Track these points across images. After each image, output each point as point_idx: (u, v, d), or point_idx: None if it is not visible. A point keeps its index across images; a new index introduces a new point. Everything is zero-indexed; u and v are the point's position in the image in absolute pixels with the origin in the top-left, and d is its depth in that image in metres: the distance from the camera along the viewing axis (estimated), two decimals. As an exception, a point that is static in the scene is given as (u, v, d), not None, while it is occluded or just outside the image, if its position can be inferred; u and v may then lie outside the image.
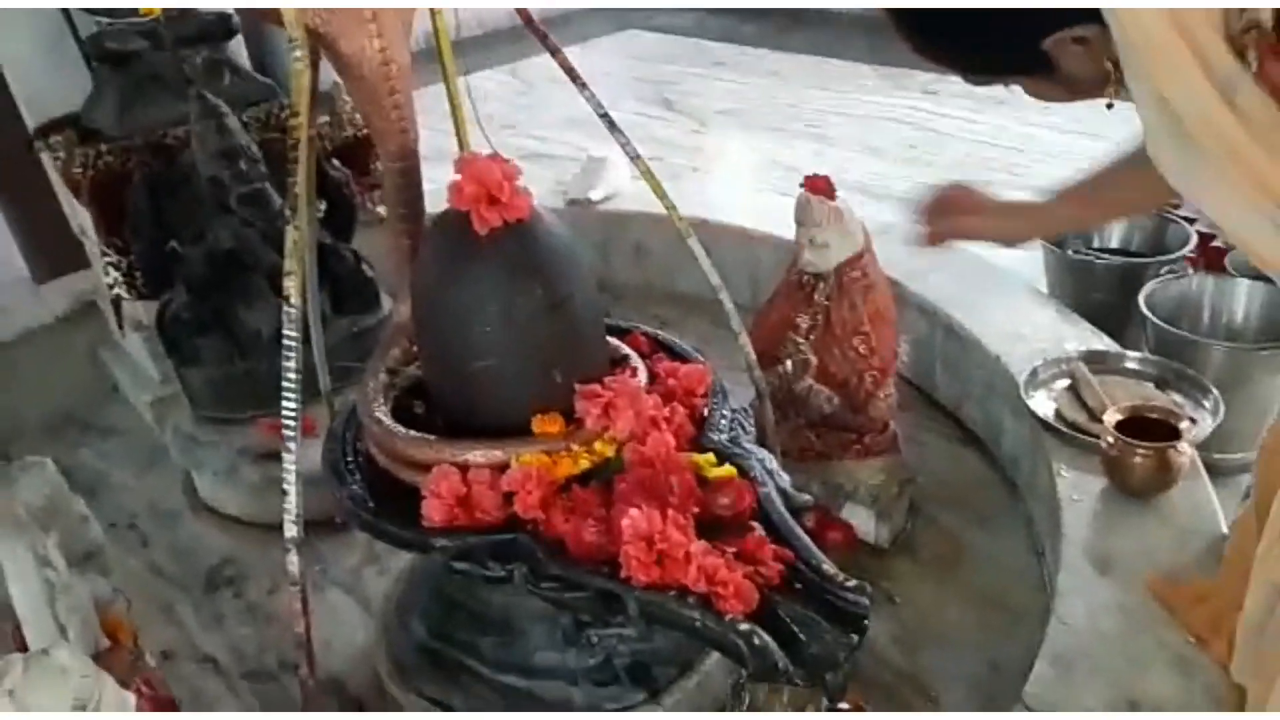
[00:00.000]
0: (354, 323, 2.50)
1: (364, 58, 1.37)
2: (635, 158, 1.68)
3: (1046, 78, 1.09)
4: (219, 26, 2.52)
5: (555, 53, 1.59)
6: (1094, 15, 0.96)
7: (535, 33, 1.58)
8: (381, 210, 3.13)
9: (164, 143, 2.41)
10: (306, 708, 1.45)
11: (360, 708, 1.84)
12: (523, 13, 1.60)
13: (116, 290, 2.48)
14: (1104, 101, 1.07)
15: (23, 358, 2.82)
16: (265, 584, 2.18)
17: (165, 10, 2.40)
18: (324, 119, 2.84)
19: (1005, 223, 1.50)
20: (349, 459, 1.55)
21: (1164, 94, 0.91)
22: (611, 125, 1.65)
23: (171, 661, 1.96)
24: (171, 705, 1.54)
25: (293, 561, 1.34)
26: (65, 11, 2.43)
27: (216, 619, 2.11)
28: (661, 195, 1.73)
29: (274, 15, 1.26)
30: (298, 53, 1.23)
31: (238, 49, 2.69)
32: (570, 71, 1.61)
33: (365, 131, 2.93)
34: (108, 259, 2.45)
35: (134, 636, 1.61)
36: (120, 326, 2.61)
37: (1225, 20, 0.87)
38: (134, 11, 2.38)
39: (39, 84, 2.50)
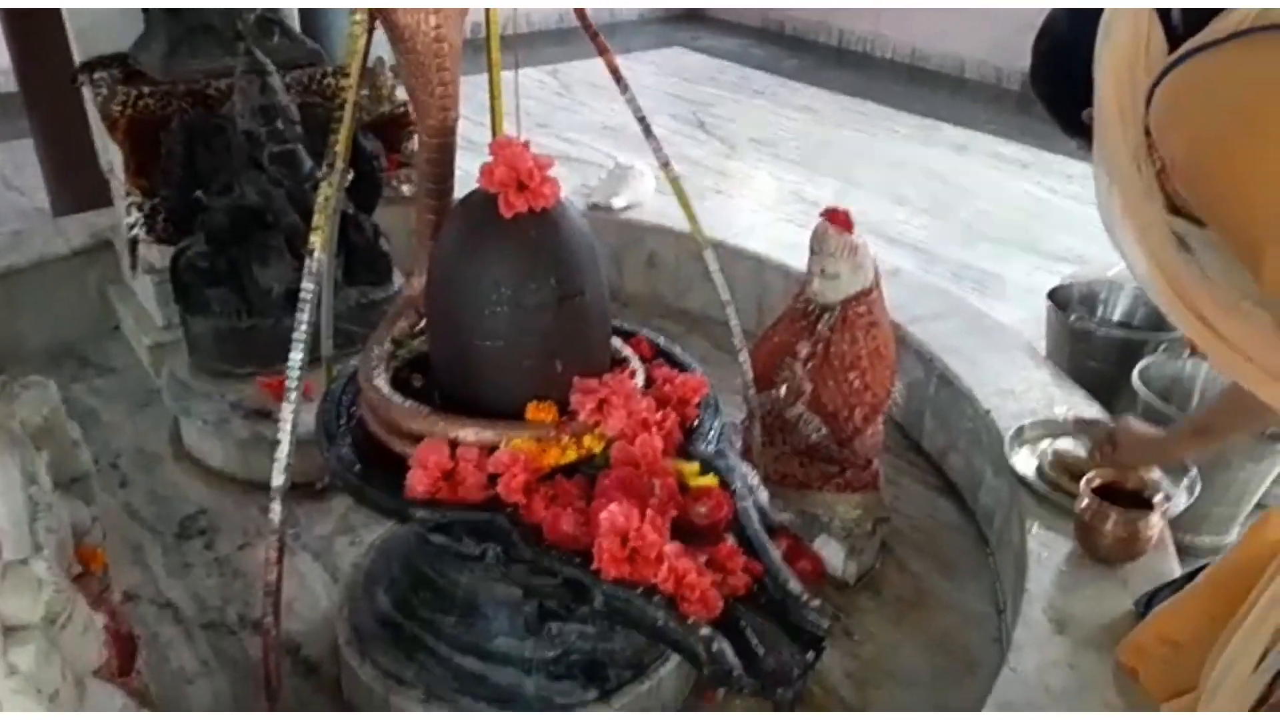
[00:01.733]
0: (363, 294, 2.53)
1: (418, 32, 1.41)
2: (665, 165, 1.71)
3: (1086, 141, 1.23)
4: (276, -13, 2.57)
5: (604, 52, 1.62)
6: None
7: (587, 30, 1.61)
8: (406, 189, 3.18)
9: (206, 92, 2.46)
10: (266, 657, 1.47)
11: (314, 671, 1.86)
12: (579, 10, 1.63)
13: (136, 231, 2.51)
14: None
15: (33, 285, 2.85)
16: (237, 539, 2.20)
17: (227, -36, 2.44)
18: (364, 92, 2.88)
19: (1140, 454, 1.81)
20: (342, 421, 1.58)
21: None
22: (648, 131, 1.68)
23: (133, 602, 1.98)
24: (131, 640, 1.56)
25: (275, 510, 1.36)
26: (128, -47, 2.48)
27: (184, 567, 2.13)
28: (686, 205, 1.76)
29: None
30: (357, 16, 1.26)
31: (290, 12, 2.74)
32: (615, 72, 1.64)
33: (401, 109, 2.99)
34: (132, 199, 2.49)
35: (104, 568, 1.64)
36: (134, 267, 2.64)
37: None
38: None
39: (92, 19, 2.54)
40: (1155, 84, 1.08)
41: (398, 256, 2.62)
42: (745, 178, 4.76)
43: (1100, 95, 1.13)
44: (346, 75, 1.30)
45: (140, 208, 2.49)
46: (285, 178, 2.35)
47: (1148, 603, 1.57)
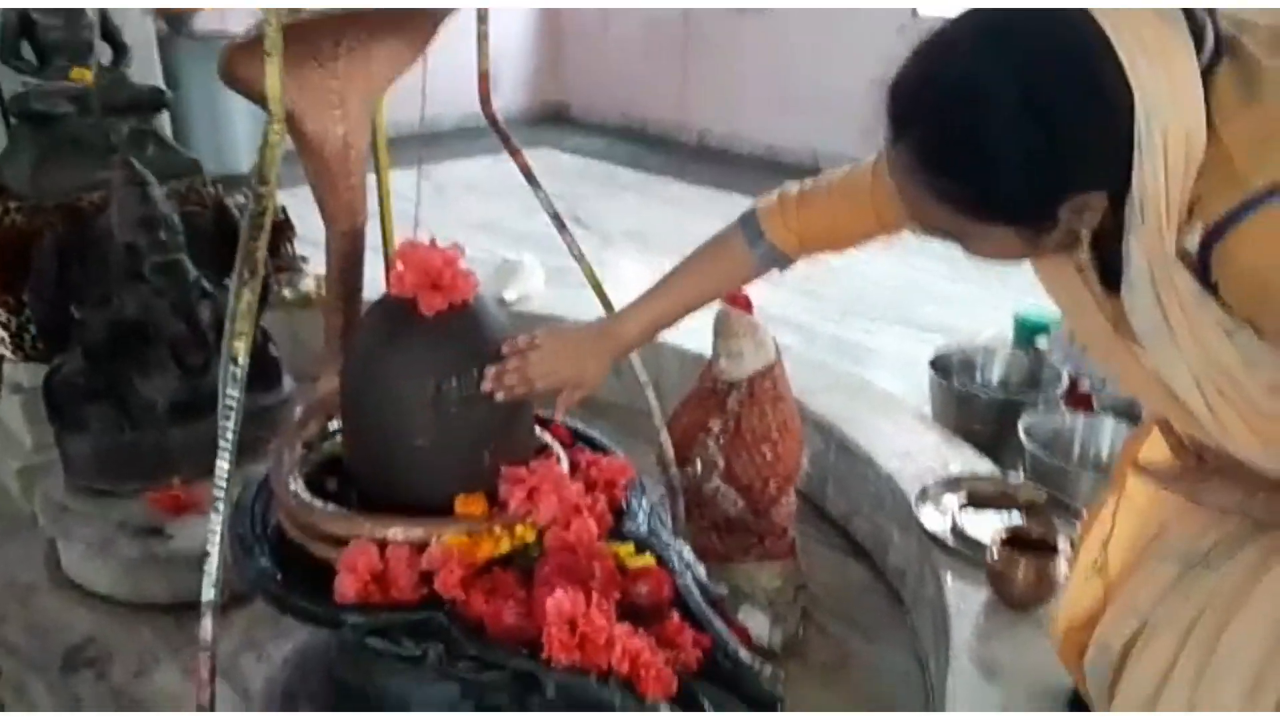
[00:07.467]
0: (251, 400, 2.44)
1: (327, 139, 1.42)
2: (580, 258, 1.76)
3: (1025, 232, 0.98)
4: (149, 97, 2.54)
5: (515, 154, 1.67)
6: (1106, 183, 0.93)
7: (500, 135, 1.66)
8: (286, 293, 3.13)
9: (77, 206, 2.38)
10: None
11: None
12: (490, 116, 1.68)
13: (2, 350, 2.38)
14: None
15: (-121, 412, 2.64)
16: (132, 666, 2.06)
17: (96, 78, 2.40)
18: (241, 198, 2.84)
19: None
20: (256, 531, 1.52)
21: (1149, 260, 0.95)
22: (561, 226, 1.73)
23: (19, 747, 1.83)
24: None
25: (206, 627, 1.29)
26: (-10, 65, 2.41)
27: (74, 702, 1.98)
28: (602, 295, 1.81)
29: (253, 89, 1.30)
30: (275, 126, 1.28)
31: (162, 122, 2.70)
32: (528, 174, 1.69)
33: (281, 217, 2.96)
34: (-4, 318, 2.36)
35: (1, 705, 1.51)
36: (-2, 388, 2.50)
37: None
38: (65, 76, 2.38)
39: (-48, 134, 2.45)
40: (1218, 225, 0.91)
41: (284, 361, 2.57)
42: (623, 268, 4.87)
43: (1153, 183, 0.90)
44: (265, 183, 1.30)
45: (6, 326, 2.37)
46: (168, 288, 2.28)
47: None
